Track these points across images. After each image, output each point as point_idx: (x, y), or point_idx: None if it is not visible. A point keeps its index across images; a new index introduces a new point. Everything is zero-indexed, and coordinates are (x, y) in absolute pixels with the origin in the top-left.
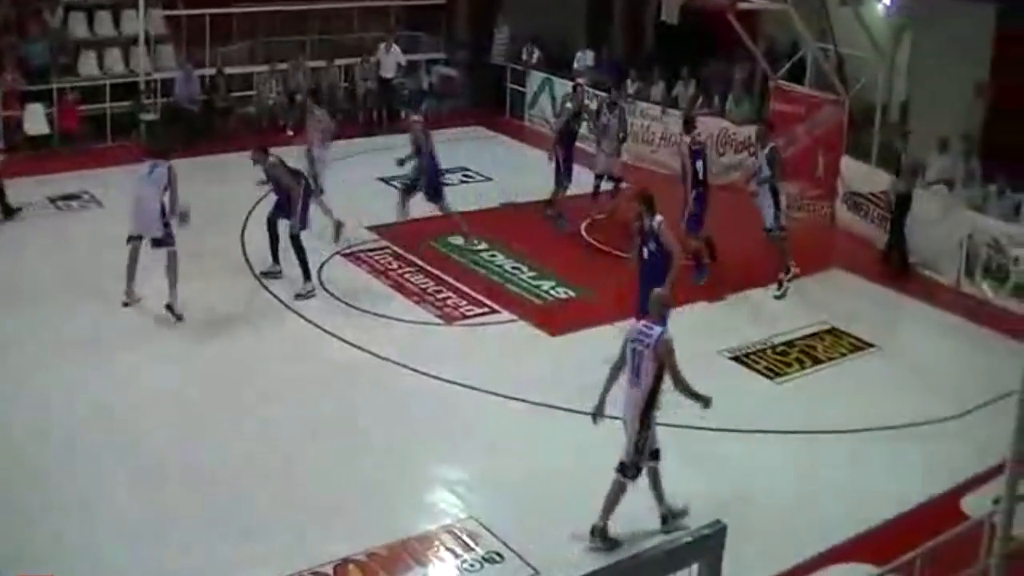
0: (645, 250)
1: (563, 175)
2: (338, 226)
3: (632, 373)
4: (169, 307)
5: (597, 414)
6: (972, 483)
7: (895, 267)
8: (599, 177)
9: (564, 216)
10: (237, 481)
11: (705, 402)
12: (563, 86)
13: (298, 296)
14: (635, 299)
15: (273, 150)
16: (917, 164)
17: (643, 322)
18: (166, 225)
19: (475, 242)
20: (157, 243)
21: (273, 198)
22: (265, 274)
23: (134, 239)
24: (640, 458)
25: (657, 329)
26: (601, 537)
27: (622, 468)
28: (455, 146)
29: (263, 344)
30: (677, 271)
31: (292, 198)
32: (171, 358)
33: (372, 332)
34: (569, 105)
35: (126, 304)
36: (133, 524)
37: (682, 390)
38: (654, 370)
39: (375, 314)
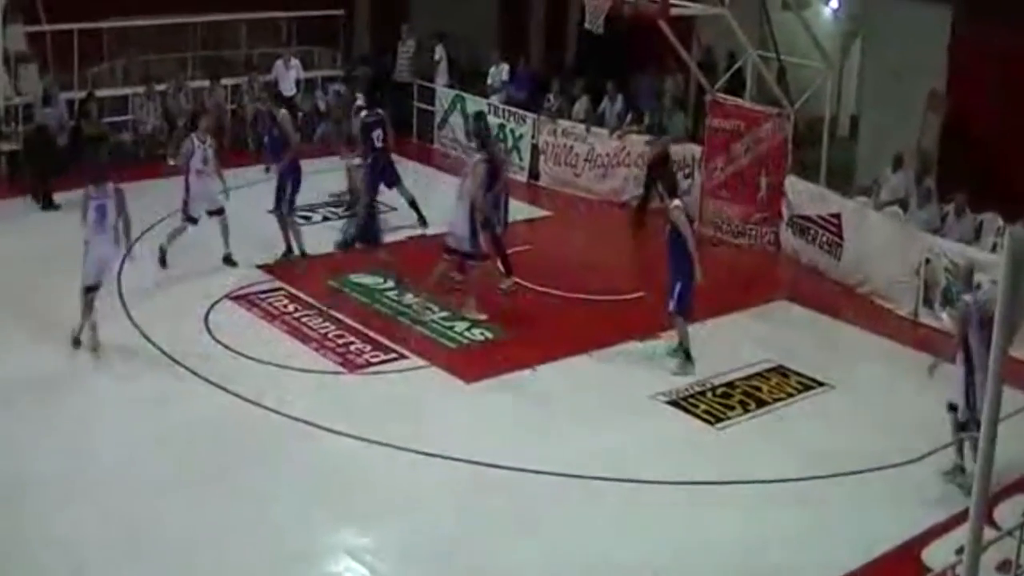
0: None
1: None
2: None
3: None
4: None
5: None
6: (933, 532)
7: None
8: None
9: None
10: (116, 550)
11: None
12: (476, 104)
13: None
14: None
15: (155, 183)
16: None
17: (972, 294)
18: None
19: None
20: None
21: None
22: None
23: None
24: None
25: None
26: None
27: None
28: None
29: (141, 398)
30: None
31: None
32: (36, 412)
33: (266, 384)
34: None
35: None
36: None
37: None
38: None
39: (269, 363)
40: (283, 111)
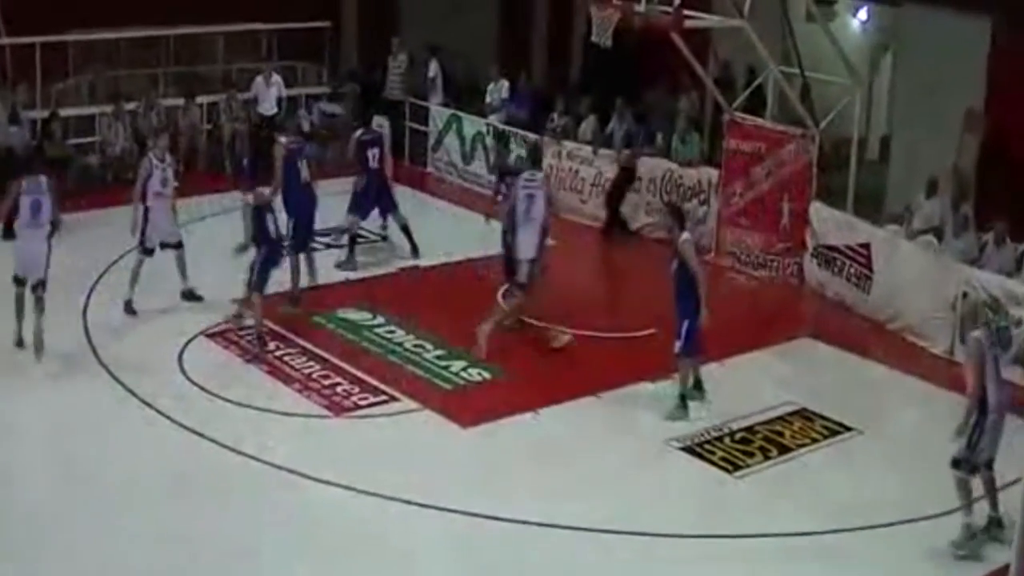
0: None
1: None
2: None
3: (1000, 377)
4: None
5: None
6: None
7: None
8: None
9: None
10: None
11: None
12: (472, 124)
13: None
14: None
15: (123, 210)
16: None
17: (982, 331)
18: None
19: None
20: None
21: None
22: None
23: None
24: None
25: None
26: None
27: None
28: (342, 199)
29: (109, 444)
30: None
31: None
32: None
33: (245, 428)
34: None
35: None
36: None
37: None
38: None
39: (248, 406)
40: (281, 140)
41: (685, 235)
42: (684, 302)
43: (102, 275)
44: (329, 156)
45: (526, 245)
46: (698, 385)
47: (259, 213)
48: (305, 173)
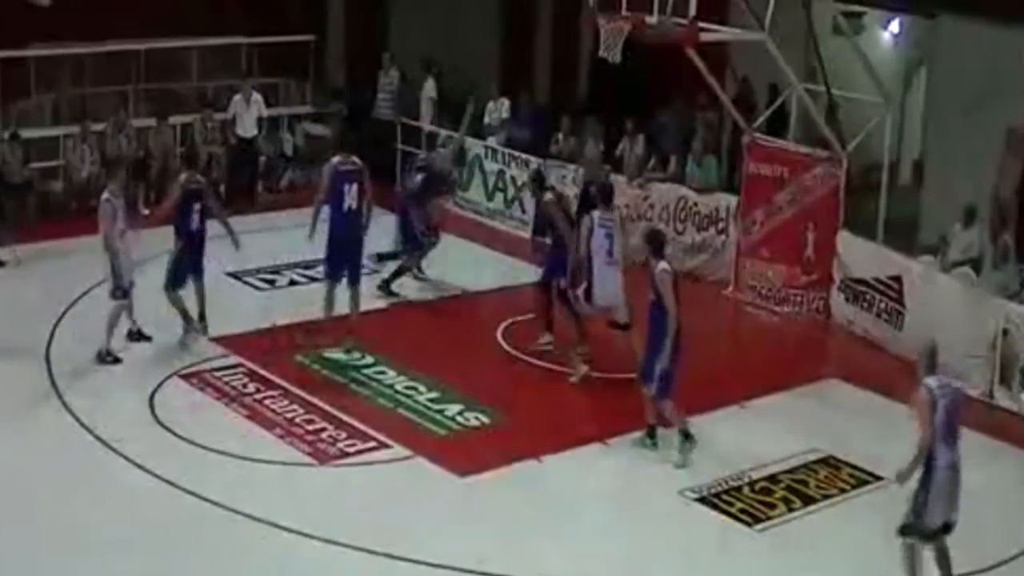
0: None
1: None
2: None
3: (951, 433)
4: None
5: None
6: None
7: None
8: None
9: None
10: None
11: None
12: (471, 147)
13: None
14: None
15: (90, 241)
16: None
17: (936, 378)
18: None
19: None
20: None
21: None
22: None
23: None
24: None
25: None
26: None
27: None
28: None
29: (74, 496)
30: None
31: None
32: None
33: (221, 477)
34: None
35: None
36: None
37: None
38: None
39: (224, 453)
40: (333, 160)
41: (662, 265)
42: (657, 340)
43: (66, 311)
44: (314, 181)
45: (609, 288)
46: (651, 433)
47: (185, 200)
48: (350, 200)
